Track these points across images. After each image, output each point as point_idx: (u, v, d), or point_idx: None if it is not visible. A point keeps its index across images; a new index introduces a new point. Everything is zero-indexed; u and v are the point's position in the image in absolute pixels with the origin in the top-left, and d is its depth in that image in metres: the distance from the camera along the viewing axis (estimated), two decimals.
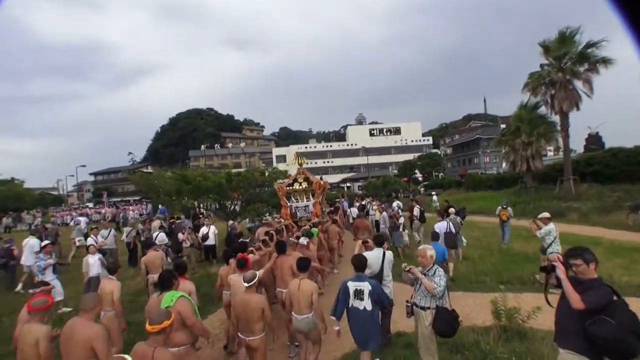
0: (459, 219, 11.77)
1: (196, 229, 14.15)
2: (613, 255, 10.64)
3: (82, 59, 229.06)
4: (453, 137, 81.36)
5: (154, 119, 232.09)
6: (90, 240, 10.97)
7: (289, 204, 12.87)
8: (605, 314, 3.02)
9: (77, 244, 14.26)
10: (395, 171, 57.50)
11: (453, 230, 10.42)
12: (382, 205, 17.59)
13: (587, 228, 15.76)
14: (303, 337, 5.03)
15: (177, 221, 15.60)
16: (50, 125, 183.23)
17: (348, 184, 58.29)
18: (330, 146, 78.91)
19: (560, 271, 3.39)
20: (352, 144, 75.24)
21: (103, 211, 35.65)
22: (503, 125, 46.34)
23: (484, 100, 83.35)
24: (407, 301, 5.00)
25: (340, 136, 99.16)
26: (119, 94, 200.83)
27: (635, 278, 8.56)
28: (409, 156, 61.89)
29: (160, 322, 3.25)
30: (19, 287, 10.71)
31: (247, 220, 16.71)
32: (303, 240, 7.51)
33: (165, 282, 4.31)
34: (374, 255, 5.62)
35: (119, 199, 65.14)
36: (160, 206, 21.45)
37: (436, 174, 54.82)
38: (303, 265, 5.11)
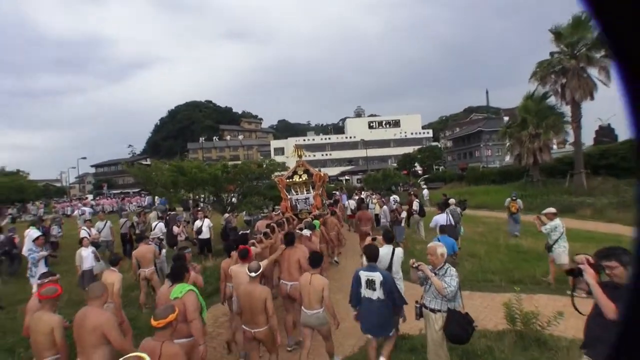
0: (459, 209, 11.79)
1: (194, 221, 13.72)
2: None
3: (82, 52, 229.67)
4: (453, 130, 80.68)
5: (154, 112, 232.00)
6: (83, 233, 10.70)
7: (289, 196, 12.59)
8: None
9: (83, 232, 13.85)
10: (395, 164, 56.90)
11: (453, 222, 10.38)
12: (383, 199, 17.10)
13: (602, 225, 15.05)
14: (309, 333, 4.91)
15: (171, 213, 15.20)
16: (53, 118, 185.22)
17: (347, 177, 57.71)
18: (329, 139, 78.01)
19: (589, 275, 2.90)
20: (350, 137, 74.39)
21: (102, 202, 35.37)
22: (506, 118, 45.72)
23: (486, 93, 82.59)
24: (416, 302, 4.64)
25: (338, 129, 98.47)
26: (118, 87, 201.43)
27: None
28: (409, 149, 61.11)
29: (165, 317, 3.28)
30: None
31: (244, 213, 16.29)
32: (306, 232, 7.39)
33: (177, 274, 4.37)
34: (383, 252, 5.43)
35: (119, 191, 65.16)
36: (156, 198, 21.12)
37: (437, 167, 54.26)
38: (315, 260, 5.04)
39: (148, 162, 49.26)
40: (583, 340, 3.16)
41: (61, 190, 59.67)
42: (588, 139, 48.01)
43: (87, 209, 22.01)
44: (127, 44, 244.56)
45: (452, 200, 12.19)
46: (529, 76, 23.45)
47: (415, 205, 14.07)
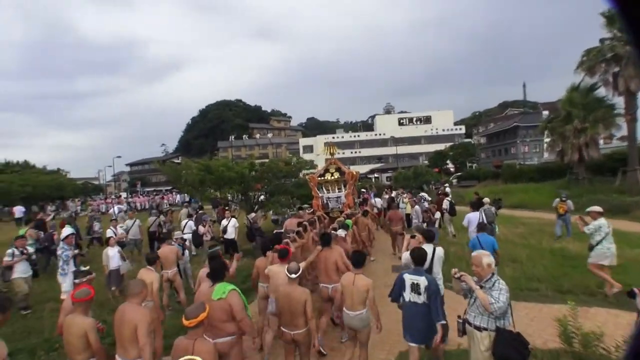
0: (493, 209, 11.51)
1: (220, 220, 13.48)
2: None
3: (118, 55, 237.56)
4: (487, 126, 78.22)
5: (186, 111, 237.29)
6: (109, 232, 10.72)
7: (320, 194, 12.34)
8: None
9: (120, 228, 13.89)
10: (426, 162, 55.48)
11: (485, 220, 10.14)
12: (414, 198, 16.39)
13: None
14: (354, 333, 4.76)
15: (200, 212, 15.08)
16: (92, 119, 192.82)
17: (376, 175, 56.84)
18: (358, 136, 77.20)
19: None
20: (380, 134, 73.13)
21: (134, 200, 36.12)
22: (545, 112, 43.58)
23: (524, 86, 78.85)
24: (458, 317, 4.11)
25: (368, 126, 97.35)
26: (153, 88, 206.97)
27: None
28: (440, 146, 59.49)
29: (196, 316, 3.31)
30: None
31: (271, 212, 15.96)
32: (341, 233, 7.25)
33: (217, 274, 4.28)
34: None
35: (152, 189, 66.76)
36: (186, 196, 21.10)
37: (470, 164, 52.51)
38: (359, 260, 4.89)
39: (179, 160, 50.14)
40: None
41: (98, 188, 61.64)
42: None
43: (123, 207, 22.37)
44: (160, 45, 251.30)
45: (486, 200, 11.88)
46: (572, 67, 21.58)
47: (446, 204, 13.48)
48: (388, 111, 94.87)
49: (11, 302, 6.74)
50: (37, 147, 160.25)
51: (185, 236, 12.83)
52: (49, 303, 8.25)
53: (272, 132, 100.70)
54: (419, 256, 4.50)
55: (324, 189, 12.48)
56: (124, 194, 54.90)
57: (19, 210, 24.94)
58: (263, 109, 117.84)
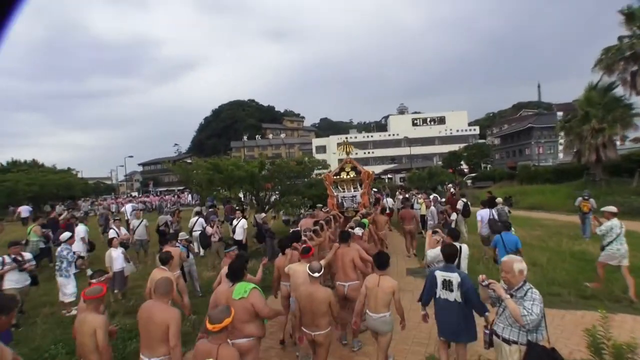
0: (507, 208, 11.74)
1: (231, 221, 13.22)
2: None
3: (132, 55, 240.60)
4: (501, 127, 77.24)
5: (199, 111, 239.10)
6: (112, 233, 10.30)
7: (335, 193, 12.28)
8: None
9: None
10: (440, 162, 54.81)
11: (496, 217, 10.47)
12: (429, 199, 15.96)
13: None
14: (376, 336, 4.62)
15: (210, 210, 14.87)
16: (106, 119, 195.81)
17: (389, 176, 56.36)
18: (371, 136, 76.85)
19: None
20: (393, 134, 72.77)
21: (143, 200, 36.25)
22: (560, 113, 42.68)
23: (538, 87, 77.73)
24: (485, 327, 3.80)
25: (381, 127, 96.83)
26: (166, 88, 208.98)
27: None
28: (454, 147, 58.74)
29: (221, 321, 3.20)
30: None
31: (282, 212, 15.70)
32: (358, 231, 7.10)
33: (237, 273, 4.20)
34: None
35: (165, 189, 67.24)
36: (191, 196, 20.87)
37: (484, 165, 51.69)
38: (382, 261, 4.69)
39: (191, 160, 50.36)
40: None
41: (110, 188, 62.21)
42: None
43: (129, 206, 22.27)
44: (174, 45, 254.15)
45: (499, 199, 11.98)
46: (587, 68, 21.21)
47: (460, 205, 13.15)
48: (402, 111, 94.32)
49: (16, 302, 6.50)
50: (50, 146, 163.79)
51: (195, 233, 12.73)
52: (44, 308, 7.87)
53: (285, 132, 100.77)
54: (450, 253, 4.43)
55: (339, 188, 12.38)
56: (135, 194, 55.36)
57: (25, 210, 24.56)
58: (276, 109, 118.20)
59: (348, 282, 5.72)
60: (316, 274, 4.34)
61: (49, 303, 8.13)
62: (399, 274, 9.59)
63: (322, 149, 71.13)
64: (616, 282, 7.39)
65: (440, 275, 4.29)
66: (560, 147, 40.75)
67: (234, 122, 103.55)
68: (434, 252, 5.85)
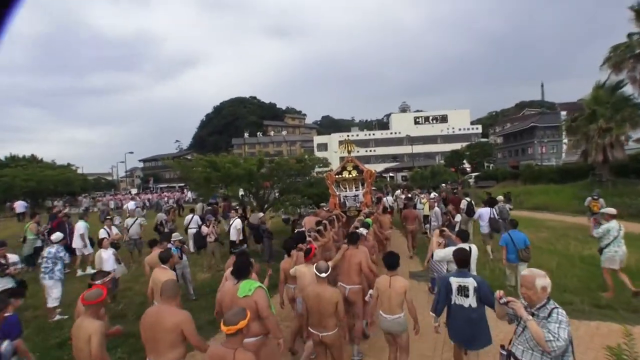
0: (508, 206, 12.04)
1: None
2: None
3: (133, 52, 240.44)
4: (504, 126, 76.84)
5: (201, 108, 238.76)
6: (102, 233, 9.90)
7: (337, 193, 12.03)
8: None
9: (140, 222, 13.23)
10: (442, 161, 54.36)
11: (496, 215, 10.84)
12: (433, 198, 15.53)
13: None
14: (392, 339, 4.56)
15: (208, 208, 14.53)
16: (108, 115, 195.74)
17: (391, 174, 55.97)
18: (373, 134, 76.43)
19: None
20: (395, 133, 72.26)
21: (143, 197, 35.81)
22: (564, 113, 42.19)
23: (542, 86, 76.68)
24: (502, 346, 3.35)
25: (383, 125, 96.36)
26: (168, 85, 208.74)
27: None
28: (456, 145, 58.49)
29: (236, 323, 3.04)
30: (79, 271, 10.62)
31: (282, 211, 15.30)
32: (363, 231, 6.91)
33: (242, 271, 4.08)
34: None
35: (165, 185, 67.01)
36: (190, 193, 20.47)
37: (487, 164, 51.22)
38: (392, 262, 4.64)
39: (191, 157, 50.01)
40: None
41: (111, 184, 62.05)
42: None
43: (132, 203, 22.00)
44: (175, 42, 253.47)
45: (500, 198, 12.25)
46: (590, 66, 21.23)
47: (463, 205, 12.90)
48: (404, 110, 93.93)
49: (26, 286, 6.25)
50: (53, 142, 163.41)
51: (190, 231, 12.34)
52: (27, 311, 7.36)
53: (286, 129, 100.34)
54: (463, 258, 4.32)
55: (341, 187, 12.17)
56: (134, 190, 54.93)
57: (20, 205, 24.11)
58: (278, 106, 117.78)
59: (350, 285, 5.57)
60: (323, 274, 4.28)
61: (33, 306, 7.70)
62: (402, 275, 9.21)
63: (323, 146, 70.68)
64: (629, 290, 7.00)
65: (455, 282, 4.16)
66: (564, 147, 40.16)
67: (235, 118, 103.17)
68: (442, 252, 5.83)
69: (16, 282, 6.69)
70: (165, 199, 30.75)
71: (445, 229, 6.49)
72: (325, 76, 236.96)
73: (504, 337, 4.23)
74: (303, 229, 8.45)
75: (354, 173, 12.06)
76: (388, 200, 17.44)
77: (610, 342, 3.85)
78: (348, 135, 70.33)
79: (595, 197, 12.36)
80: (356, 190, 12.05)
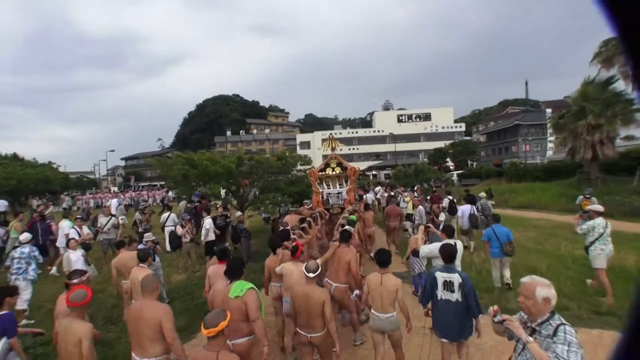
0: (489, 203, 12.20)
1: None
2: None
3: (117, 49, 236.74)
4: (487, 124, 77.30)
5: (184, 106, 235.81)
6: (72, 233, 9.49)
7: (320, 190, 11.72)
8: None
9: (120, 221, 12.85)
10: (426, 159, 54.31)
11: (476, 212, 11.01)
12: (417, 197, 15.10)
13: None
14: (381, 339, 4.52)
15: (188, 206, 14.02)
16: (90, 113, 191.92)
17: (374, 172, 55.74)
18: (356, 132, 76.06)
19: None
20: (378, 131, 71.96)
21: (126, 195, 34.85)
22: (549, 110, 42.44)
23: (526, 84, 76.75)
24: None
25: (366, 123, 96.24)
26: (151, 82, 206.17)
27: None
28: (440, 144, 58.36)
29: (216, 325, 2.94)
30: (54, 270, 10.19)
31: (262, 209, 14.71)
32: (349, 229, 6.69)
33: (235, 271, 4.05)
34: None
35: (147, 184, 66.08)
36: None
37: (471, 162, 51.33)
38: (384, 259, 4.59)
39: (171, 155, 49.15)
40: None
41: (93, 182, 60.90)
42: None
43: (114, 201, 21.24)
44: (159, 40, 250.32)
45: (482, 194, 12.49)
46: (575, 65, 21.62)
47: (445, 203, 12.75)
48: (387, 108, 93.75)
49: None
50: (34, 140, 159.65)
51: (167, 229, 11.76)
52: None
53: (269, 127, 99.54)
54: (449, 254, 4.34)
55: (324, 185, 11.86)
56: (115, 188, 53.84)
57: (1, 205, 22.98)
58: (261, 104, 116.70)
59: (336, 284, 5.54)
60: (311, 274, 4.20)
61: None
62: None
63: (306, 144, 70.13)
64: (631, 295, 6.56)
65: (441, 277, 4.20)
66: (550, 145, 40.43)
67: (218, 116, 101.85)
68: (428, 248, 5.79)
69: None
70: (145, 196, 29.76)
71: (430, 225, 6.53)
72: (309, 74, 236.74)
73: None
74: (288, 227, 8.03)
75: (338, 170, 11.78)
76: (368, 197, 17.51)
77: None
78: (331, 134, 69.95)
79: (588, 196, 12.12)
80: (340, 188, 11.78)
